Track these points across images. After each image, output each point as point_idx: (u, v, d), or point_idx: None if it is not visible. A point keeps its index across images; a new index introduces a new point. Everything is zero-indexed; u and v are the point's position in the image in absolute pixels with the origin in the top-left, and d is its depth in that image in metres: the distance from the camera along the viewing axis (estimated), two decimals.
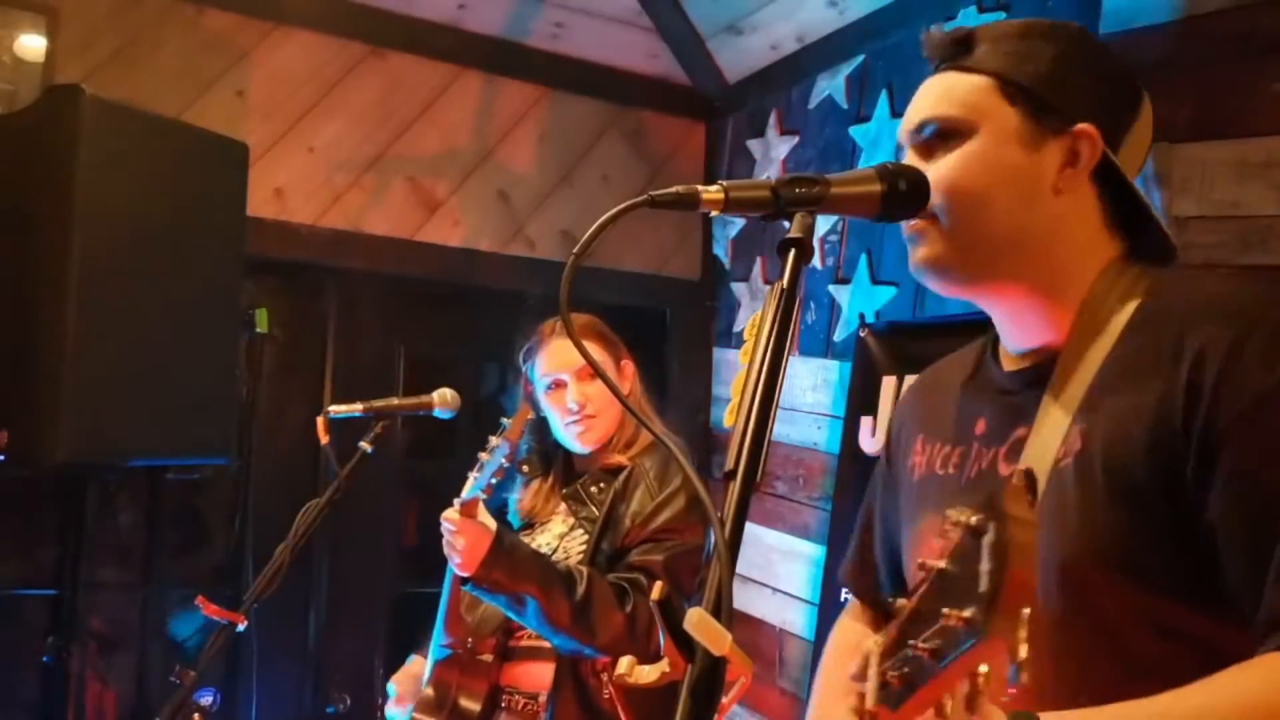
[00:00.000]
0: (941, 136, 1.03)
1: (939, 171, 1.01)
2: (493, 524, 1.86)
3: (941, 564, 0.67)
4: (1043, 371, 1.02)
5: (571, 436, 2.11)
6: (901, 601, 0.72)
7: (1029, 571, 0.59)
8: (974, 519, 0.63)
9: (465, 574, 1.85)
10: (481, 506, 1.87)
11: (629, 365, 2.19)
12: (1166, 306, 0.96)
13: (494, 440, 1.88)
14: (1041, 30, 1.06)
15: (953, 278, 1.05)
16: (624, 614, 1.88)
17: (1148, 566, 0.90)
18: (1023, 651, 0.58)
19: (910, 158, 1.05)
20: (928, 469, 1.14)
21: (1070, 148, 1.01)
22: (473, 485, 1.86)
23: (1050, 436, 0.96)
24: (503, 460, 1.86)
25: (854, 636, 1.27)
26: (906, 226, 1.04)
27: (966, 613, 0.60)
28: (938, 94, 1.05)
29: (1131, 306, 0.98)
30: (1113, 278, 1.01)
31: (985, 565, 0.60)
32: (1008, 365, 1.09)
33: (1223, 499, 0.87)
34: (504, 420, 1.94)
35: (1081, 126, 1.00)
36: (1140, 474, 0.90)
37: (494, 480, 1.89)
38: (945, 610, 0.62)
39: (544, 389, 2.12)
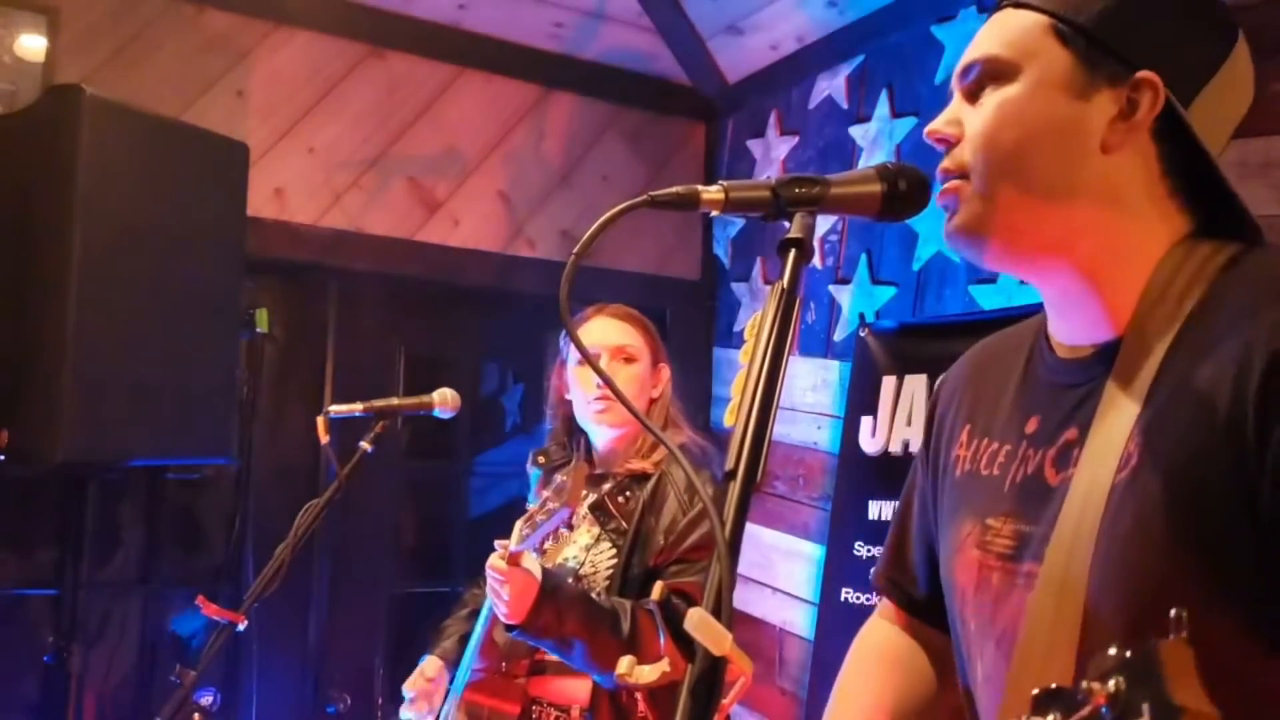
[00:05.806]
0: (986, 80, 0.93)
1: (972, 121, 0.93)
2: (538, 571, 1.83)
3: None
4: (1100, 364, 0.89)
5: (591, 415, 2.09)
6: None
7: None
8: (1112, 688, 0.45)
9: (513, 622, 1.83)
10: (528, 553, 1.84)
11: (665, 370, 2.19)
12: (1237, 293, 0.82)
13: (552, 502, 1.84)
14: None
15: (988, 247, 0.92)
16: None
17: (1226, 604, 0.77)
18: None
19: (955, 105, 0.96)
20: (972, 465, 1.03)
21: (1127, 98, 0.88)
22: (523, 540, 1.83)
23: (1108, 447, 0.84)
24: (560, 524, 1.84)
25: (883, 636, 1.21)
26: (938, 196, 0.94)
27: None
28: (990, 33, 0.95)
29: (1199, 292, 0.84)
30: (1180, 259, 0.87)
31: None
32: (1063, 354, 0.96)
33: None
34: (560, 477, 1.89)
35: (1143, 74, 0.87)
36: (1210, 503, 0.76)
37: (549, 542, 1.89)
38: None
39: (576, 362, 2.12)
